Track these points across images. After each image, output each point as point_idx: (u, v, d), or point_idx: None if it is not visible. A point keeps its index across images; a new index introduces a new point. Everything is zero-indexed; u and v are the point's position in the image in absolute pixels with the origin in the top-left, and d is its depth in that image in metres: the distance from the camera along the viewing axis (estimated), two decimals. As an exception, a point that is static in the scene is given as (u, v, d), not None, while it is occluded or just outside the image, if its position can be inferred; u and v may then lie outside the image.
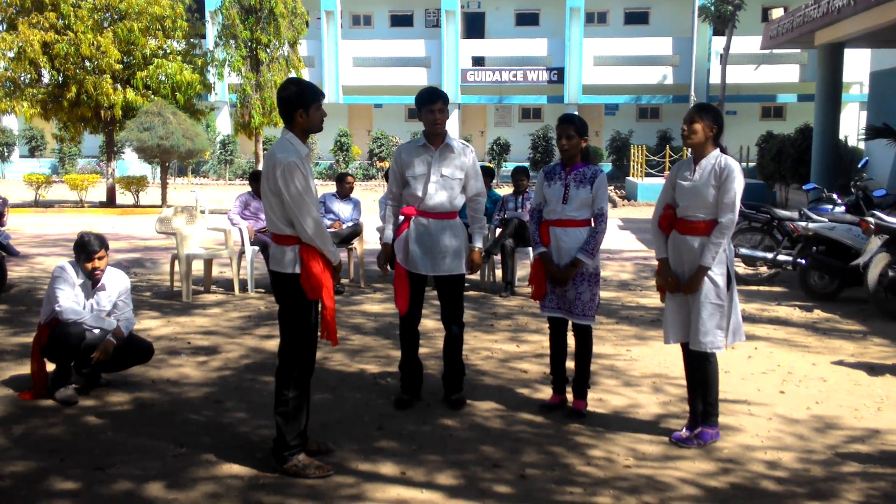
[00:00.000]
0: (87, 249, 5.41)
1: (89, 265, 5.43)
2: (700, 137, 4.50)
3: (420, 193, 5.13)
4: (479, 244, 5.33)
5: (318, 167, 33.31)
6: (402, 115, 38.42)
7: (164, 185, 20.92)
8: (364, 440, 4.67)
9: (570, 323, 5.13)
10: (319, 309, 4.27)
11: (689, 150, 4.60)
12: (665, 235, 4.68)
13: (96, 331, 5.44)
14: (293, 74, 21.38)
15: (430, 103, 5.10)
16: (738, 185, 4.41)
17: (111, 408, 5.21)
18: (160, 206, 19.47)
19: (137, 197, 21.27)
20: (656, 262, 4.81)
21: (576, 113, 5.15)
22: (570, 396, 5.22)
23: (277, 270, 4.24)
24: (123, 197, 21.81)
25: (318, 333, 4.33)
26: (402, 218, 5.25)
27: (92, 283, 5.49)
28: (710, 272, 4.45)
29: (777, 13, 18.54)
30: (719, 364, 6.18)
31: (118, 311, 5.60)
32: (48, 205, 21.06)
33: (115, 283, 5.62)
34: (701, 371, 4.63)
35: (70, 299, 5.34)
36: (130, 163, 31.40)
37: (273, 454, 4.27)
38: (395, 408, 5.23)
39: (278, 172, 4.07)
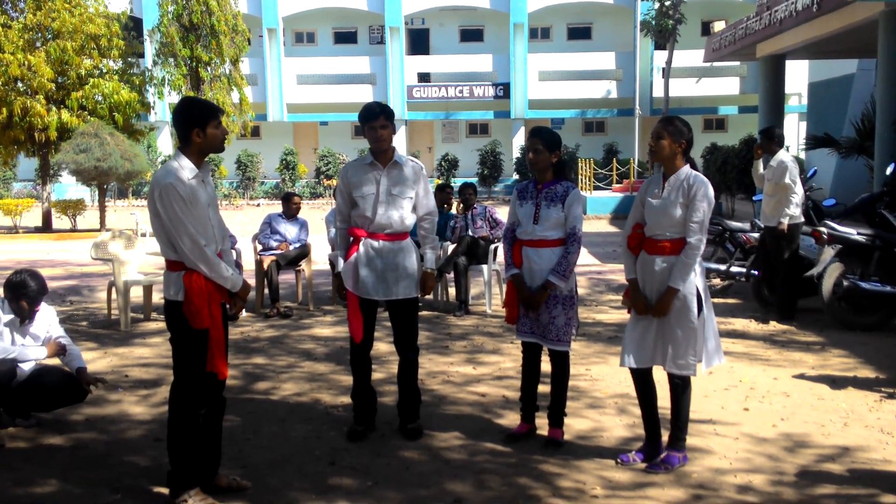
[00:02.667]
0: (26, 293, 5.05)
1: (26, 307, 5.08)
2: (667, 152, 4.33)
3: (369, 214, 4.88)
4: (431, 265, 5.09)
5: (264, 186, 32.85)
6: (348, 133, 38.12)
7: (102, 209, 20.26)
8: (316, 477, 4.38)
9: (544, 347, 4.90)
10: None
11: (659, 165, 4.43)
12: (634, 255, 4.49)
13: (27, 365, 5.07)
14: (235, 92, 20.98)
15: (372, 120, 4.86)
16: (708, 203, 4.25)
17: (42, 450, 4.83)
18: (98, 230, 18.84)
19: (75, 221, 20.57)
20: (624, 281, 4.62)
21: (518, 127, 4.93)
22: (539, 422, 4.98)
23: (165, 297, 4.02)
24: (60, 221, 21.08)
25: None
26: (351, 239, 4.99)
27: (21, 319, 5.12)
28: (681, 294, 4.27)
29: (719, 26, 18.79)
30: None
31: (48, 337, 5.24)
32: (-20, 231, 20.28)
33: (43, 315, 5.27)
34: (675, 394, 4.46)
35: (-5, 339, 4.97)
36: (69, 185, 30.50)
37: (168, 485, 4.04)
38: (347, 440, 4.94)
39: (156, 194, 3.86)
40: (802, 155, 23.23)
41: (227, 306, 4.11)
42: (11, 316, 5.08)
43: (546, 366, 4.94)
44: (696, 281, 4.29)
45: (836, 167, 19.42)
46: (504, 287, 6.61)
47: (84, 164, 17.86)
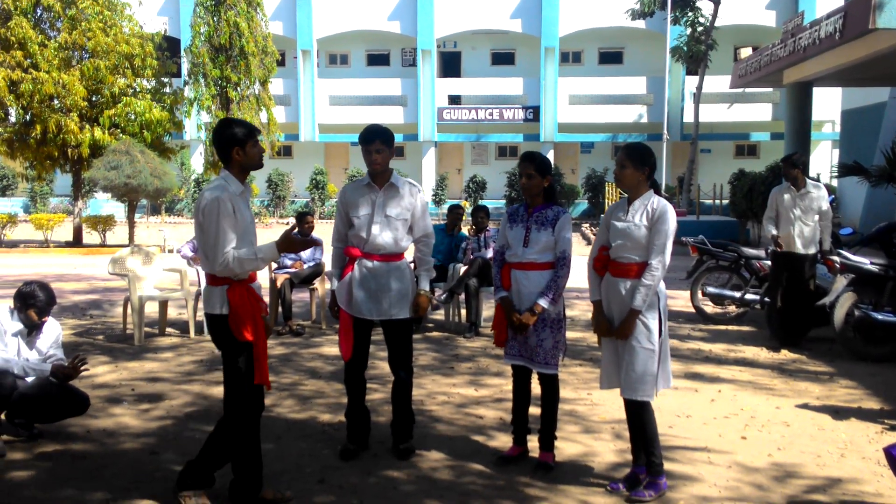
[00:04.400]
0: (35, 303, 5.20)
1: (34, 317, 5.22)
2: (630, 180, 4.40)
3: (364, 234, 4.94)
4: (425, 287, 5.14)
5: (295, 205, 33.13)
6: (378, 154, 38.29)
7: (131, 225, 20.61)
8: (303, 494, 4.42)
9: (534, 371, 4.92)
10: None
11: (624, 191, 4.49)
12: (600, 277, 4.52)
13: (29, 379, 5.18)
14: (264, 113, 21.28)
15: (368, 143, 4.93)
16: (670, 227, 4.28)
17: (40, 461, 4.93)
18: (127, 246, 19.15)
19: (104, 236, 20.94)
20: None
21: (547, 150, 4.93)
22: (532, 445, 4.99)
23: (208, 312, 4.13)
24: (90, 236, 21.47)
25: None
26: (346, 259, 5.06)
27: (29, 330, 5.26)
28: (641, 316, 4.29)
29: (745, 52, 18.70)
30: (682, 408, 6.06)
31: (51, 356, 5.36)
32: (13, 244, 20.69)
33: (51, 330, 5.39)
34: (636, 419, 4.45)
35: (-1, 349, 5.09)
36: (104, 201, 31.06)
37: (231, 496, 4.21)
38: (340, 458, 4.98)
39: (201, 208, 4.03)
40: (834, 183, 22.97)
41: (267, 318, 4.24)
42: (21, 326, 5.21)
43: (537, 389, 4.95)
44: (658, 303, 4.32)
45: (866, 196, 19.18)
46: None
47: (115, 180, 18.20)
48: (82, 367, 5.23)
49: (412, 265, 5.25)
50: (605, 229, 4.52)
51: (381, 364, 6.88)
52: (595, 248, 4.57)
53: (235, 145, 4.08)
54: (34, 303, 5.21)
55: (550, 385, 4.83)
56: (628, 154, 4.42)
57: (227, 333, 4.05)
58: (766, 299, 9.12)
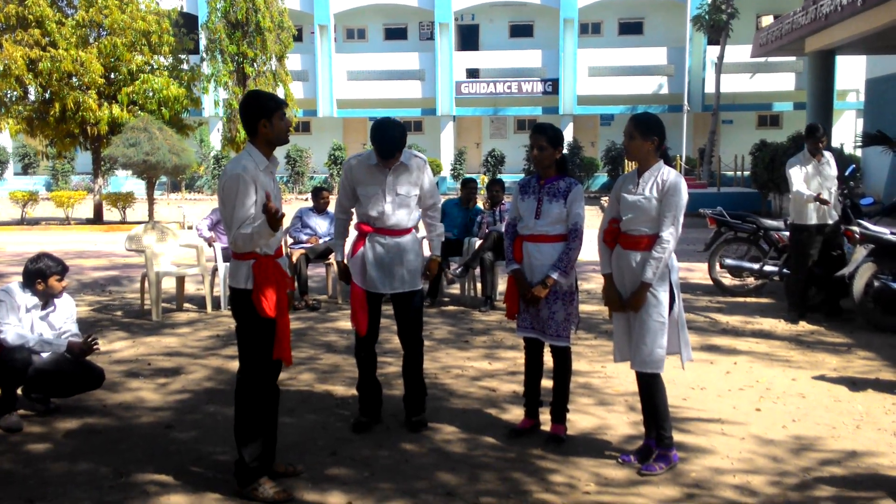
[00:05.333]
0: (47, 272, 5.23)
1: (59, 285, 5.26)
2: (638, 151, 4.33)
3: (375, 213, 4.91)
4: (437, 251, 5.16)
5: (314, 180, 33.18)
6: (396, 128, 38.22)
7: (150, 201, 20.73)
8: (315, 466, 4.45)
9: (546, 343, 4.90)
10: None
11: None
12: (610, 250, 4.48)
13: (45, 354, 5.23)
14: (280, 88, 21.24)
15: (386, 159, 4.82)
16: (681, 198, 4.21)
17: (56, 435, 4.99)
18: (147, 222, 19.29)
19: (124, 213, 21.09)
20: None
21: (567, 123, 4.86)
22: (543, 418, 4.98)
23: (232, 286, 4.11)
24: (111, 213, 21.63)
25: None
26: (355, 233, 5.05)
27: (43, 304, 5.30)
28: (651, 289, 4.24)
29: (767, 20, 18.37)
30: (697, 380, 6.03)
31: (66, 332, 5.41)
32: (34, 222, 20.90)
33: (64, 305, 5.43)
34: (646, 392, 4.42)
35: (14, 325, 5.13)
36: (125, 179, 31.28)
37: (235, 476, 4.14)
38: (352, 431, 5.01)
39: (223, 183, 4.00)
40: (858, 153, 22.63)
41: (291, 293, 4.22)
42: (35, 301, 5.25)
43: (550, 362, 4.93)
44: (669, 276, 4.27)
45: (890, 166, 18.91)
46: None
47: (133, 157, 18.29)
48: (95, 346, 5.27)
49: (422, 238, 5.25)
50: (616, 201, 4.46)
51: (396, 338, 6.89)
52: (605, 221, 4.52)
53: (262, 117, 4.01)
54: (52, 271, 5.24)
55: (562, 357, 4.81)
56: (635, 124, 4.35)
57: (249, 308, 4.01)
58: (785, 270, 9.02)
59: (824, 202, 7.97)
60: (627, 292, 4.37)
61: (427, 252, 5.30)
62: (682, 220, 4.27)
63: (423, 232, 5.24)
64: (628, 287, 4.36)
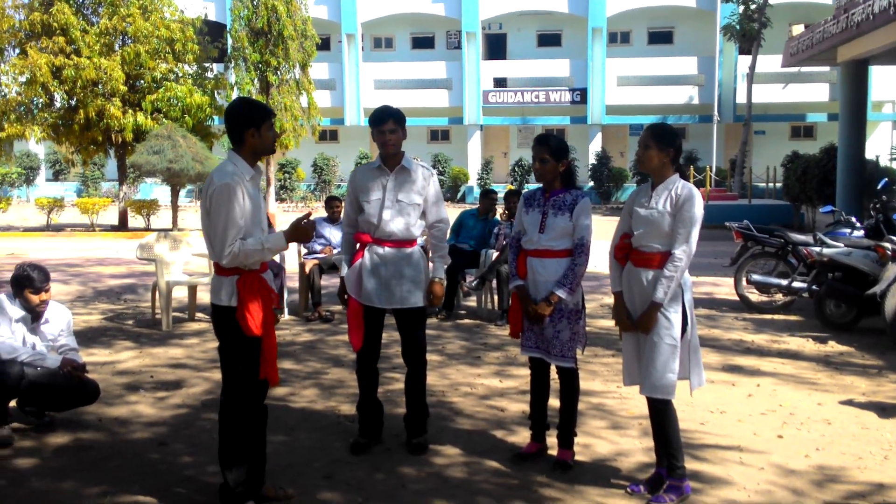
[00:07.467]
0: (30, 283, 5.07)
1: (36, 298, 5.10)
2: (654, 162, 4.07)
3: (375, 220, 4.72)
4: (440, 274, 4.91)
5: (340, 189, 33.13)
6: (424, 137, 38.21)
7: (174, 209, 20.75)
8: (307, 490, 4.24)
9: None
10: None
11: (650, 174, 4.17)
12: (621, 267, 4.23)
13: (39, 367, 5.09)
14: (304, 97, 21.17)
15: (381, 124, 4.71)
16: (696, 213, 3.95)
17: (47, 450, 4.84)
18: (171, 230, 19.30)
19: (149, 220, 21.14)
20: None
21: (595, 133, 4.65)
22: (551, 441, 4.74)
23: (215, 303, 3.91)
24: (136, 220, 21.70)
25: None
26: (357, 245, 4.85)
27: (33, 317, 5.15)
28: (662, 309, 3.99)
29: (797, 30, 17.96)
30: (717, 403, 5.74)
31: (62, 345, 5.26)
32: (59, 228, 21.01)
33: (58, 317, 5.28)
34: (657, 419, 4.16)
35: (6, 336, 5.00)
36: (154, 186, 31.45)
37: (220, 500, 3.95)
38: (350, 452, 4.80)
39: (210, 193, 3.80)
40: (895, 165, 22.06)
41: (277, 310, 4.05)
42: (23, 313, 5.11)
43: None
44: (682, 296, 4.01)
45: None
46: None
47: (157, 165, 18.31)
48: (83, 372, 5.13)
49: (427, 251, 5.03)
50: (628, 215, 4.22)
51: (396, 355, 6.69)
52: (616, 236, 4.28)
53: (251, 127, 3.84)
54: (29, 283, 5.06)
55: (569, 379, 4.56)
56: (653, 133, 4.11)
57: (233, 326, 3.82)
58: (815, 287, 8.68)
59: None
60: (638, 312, 4.12)
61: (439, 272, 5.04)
62: (696, 236, 4.01)
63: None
64: (638, 306, 4.12)
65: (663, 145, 4.07)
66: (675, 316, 3.99)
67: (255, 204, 3.86)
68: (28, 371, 5.00)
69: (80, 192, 34.30)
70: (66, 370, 5.02)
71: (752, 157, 32.07)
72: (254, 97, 20.61)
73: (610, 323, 8.54)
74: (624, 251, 4.19)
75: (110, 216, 22.67)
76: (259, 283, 3.87)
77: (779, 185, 24.97)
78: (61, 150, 24.03)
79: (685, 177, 4.13)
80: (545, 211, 4.46)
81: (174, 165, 18.30)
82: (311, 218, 4.06)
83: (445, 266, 4.97)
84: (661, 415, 4.12)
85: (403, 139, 4.81)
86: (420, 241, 5.13)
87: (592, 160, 33.40)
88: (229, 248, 3.74)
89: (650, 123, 4.21)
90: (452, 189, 33.42)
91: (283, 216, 22.50)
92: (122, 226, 20.96)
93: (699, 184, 28.35)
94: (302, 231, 3.92)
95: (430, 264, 4.99)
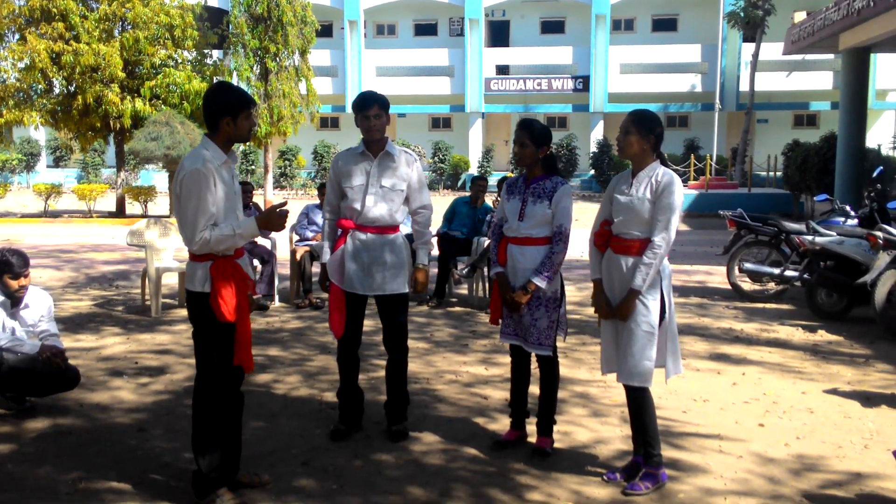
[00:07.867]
0: (9, 268, 5.06)
1: (15, 283, 5.08)
2: (635, 149, 4.03)
3: (358, 206, 4.70)
4: (423, 261, 4.89)
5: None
6: (425, 125, 38.12)
7: (171, 196, 20.72)
8: (283, 477, 4.24)
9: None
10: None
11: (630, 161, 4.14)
12: (601, 254, 4.20)
13: (18, 353, 5.08)
14: (303, 84, 21.08)
15: (365, 109, 4.68)
16: (675, 200, 3.91)
17: (26, 436, 4.84)
18: (169, 216, 19.28)
19: (146, 207, 21.13)
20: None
21: (597, 121, 4.61)
22: (531, 429, 4.73)
23: (188, 289, 3.89)
24: (133, 207, 21.70)
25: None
26: (339, 232, 4.83)
27: (12, 302, 5.14)
28: (641, 296, 3.96)
29: (799, 17, 17.82)
30: (701, 391, 5.72)
31: (42, 331, 5.25)
32: (56, 215, 21.02)
33: (39, 303, 5.27)
34: (634, 407, 4.14)
35: (-15, 321, 4.99)
36: (154, 172, 31.41)
37: (192, 486, 3.93)
38: (330, 439, 4.79)
39: (180, 178, 3.76)
40: None
41: (253, 296, 4.03)
42: (2, 298, 5.09)
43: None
44: (660, 283, 3.99)
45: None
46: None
47: (154, 151, 18.27)
48: (62, 359, 5.12)
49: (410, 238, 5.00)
50: (608, 202, 4.19)
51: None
52: (596, 223, 4.24)
53: (227, 115, 3.79)
54: (8, 268, 5.04)
55: (548, 367, 4.54)
56: (634, 119, 4.06)
57: (207, 312, 3.80)
58: (807, 276, 8.65)
59: None
60: (617, 299, 4.09)
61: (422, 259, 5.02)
62: (676, 224, 3.98)
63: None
64: (617, 294, 4.09)
65: (644, 132, 4.03)
66: (652, 303, 3.97)
67: (228, 190, 3.83)
68: (7, 356, 5.00)
69: (80, 178, 34.27)
70: (44, 356, 5.01)
71: (754, 146, 31.94)
72: (253, 83, 20.59)
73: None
74: (604, 238, 4.16)
75: (108, 203, 22.67)
76: (233, 269, 3.83)
77: (779, 174, 24.87)
78: (60, 136, 24.00)
79: (666, 164, 4.09)
80: (525, 198, 4.43)
81: (172, 152, 18.26)
82: (287, 207, 4.03)
83: (429, 253, 4.94)
84: (638, 402, 4.10)
85: (387, 124, 4.78)
86: (405, 228, 5.12)
87: (594, 148, 33.28)
88: (200, 235, 3.71)
89: (634, 110, 4.16)
90: (453, 177, 33.34)
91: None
92: (120, 212, 20.96)
93: (699, 172, 28.25)
94: (275, 218, 3.90)
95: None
